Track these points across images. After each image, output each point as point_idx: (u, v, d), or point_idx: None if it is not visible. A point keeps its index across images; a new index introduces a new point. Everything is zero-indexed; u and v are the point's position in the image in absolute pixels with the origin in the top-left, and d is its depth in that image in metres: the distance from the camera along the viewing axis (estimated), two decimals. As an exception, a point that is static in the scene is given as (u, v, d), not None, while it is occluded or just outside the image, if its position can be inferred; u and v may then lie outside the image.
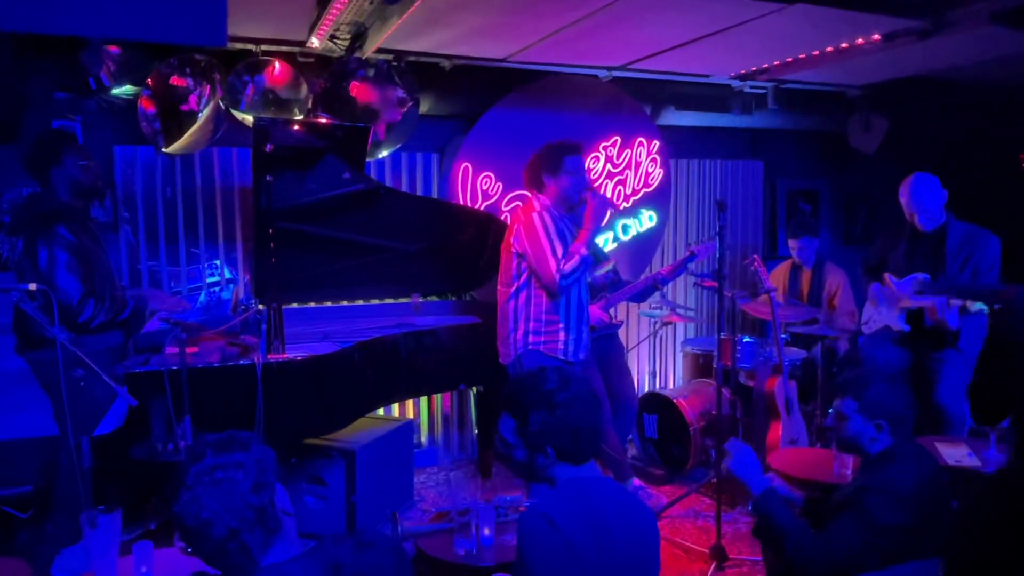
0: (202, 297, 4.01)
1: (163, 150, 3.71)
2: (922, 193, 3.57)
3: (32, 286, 2.24)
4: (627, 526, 1.71)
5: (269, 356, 2.94)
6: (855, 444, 2.19)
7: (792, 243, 4.66)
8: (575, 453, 1.76)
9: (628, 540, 1.70)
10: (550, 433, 1.72)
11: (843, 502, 2.12)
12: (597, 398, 1.82)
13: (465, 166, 4.39)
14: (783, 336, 4.08)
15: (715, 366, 3.75)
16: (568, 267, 3.18)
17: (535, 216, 3.24)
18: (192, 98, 3.67)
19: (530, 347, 3.28)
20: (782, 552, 2.08)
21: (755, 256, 3.98)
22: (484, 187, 4.46)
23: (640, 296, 4.19)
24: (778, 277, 4.78)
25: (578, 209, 3.34)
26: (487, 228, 4.01)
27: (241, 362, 2.86)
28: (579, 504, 1.69)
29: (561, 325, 3.28)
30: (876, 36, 3.61)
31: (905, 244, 3.73)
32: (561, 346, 3.29)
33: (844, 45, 3.81)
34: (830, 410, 4.25)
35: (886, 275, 3.74)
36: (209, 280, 4.08)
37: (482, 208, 4.41)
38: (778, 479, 2.28)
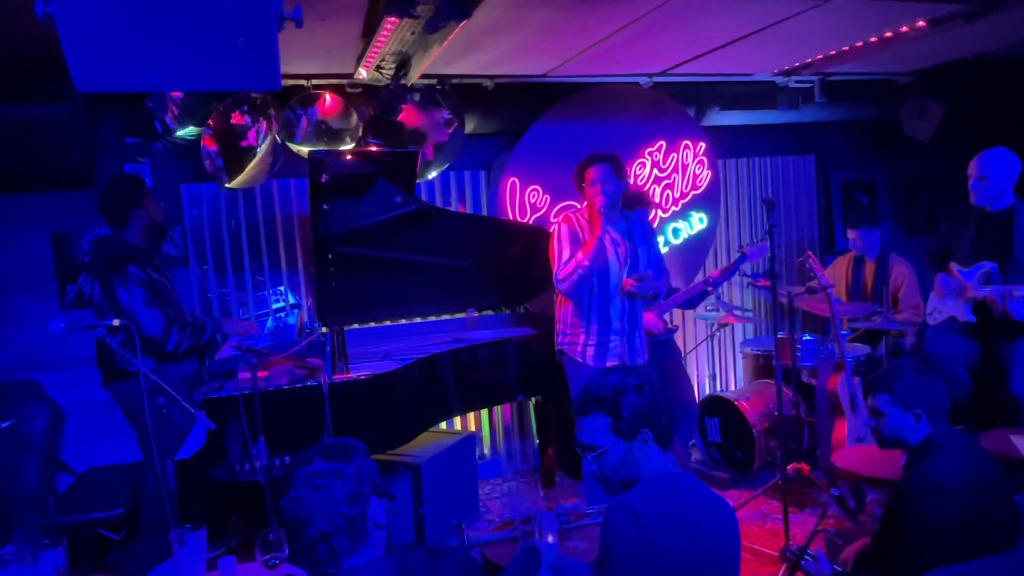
0: (269, 323, 4.19)
1: (226, 185, 3.91)
2: (990, 160, 3.45)
3: (116, 322, 2.40)
4: (711, 524, 1.75)
5: (334, 376, 3.05)
6: (897, 438, 2.18)
7: (851, 234, 4.57)
8: (668, 430, 1.84)
9: (712, 538, 1.74)
10: (646, 413, 1.81)
11: (890, 511, 2.10)
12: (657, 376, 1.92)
13: (512, 181, 4.47)
14: (844, 332, 4.01)
15: (775, 366, 3.71)
16: (562, 272, 3.31)
17: (555, 226, 3.47)
18: (251, 134, 3.86)
19: (559, 347, 3.46)
20: None
21: (809, 253, 3.93)
22: (532, 200, 4.53)
23: (691, 303, 4.18)
24: (839, 271, 4.69)
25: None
26: (536, 241, 4.07)
27: (308, 384, 2.98)
28: (665, 500, 1.74)
29: (581, 329, 3.38)
30: (921, 23, 3.54)
31: (971, 231, 3.62)
32: (580, 348, 3.38)
33: (888, 34, 3.73)
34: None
35: (952, 264, 3.63)
36: (275, 306, 4.26)
37: (531, 221, 4.48)
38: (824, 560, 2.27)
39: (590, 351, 3.37)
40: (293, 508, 1.48)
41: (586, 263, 3.27)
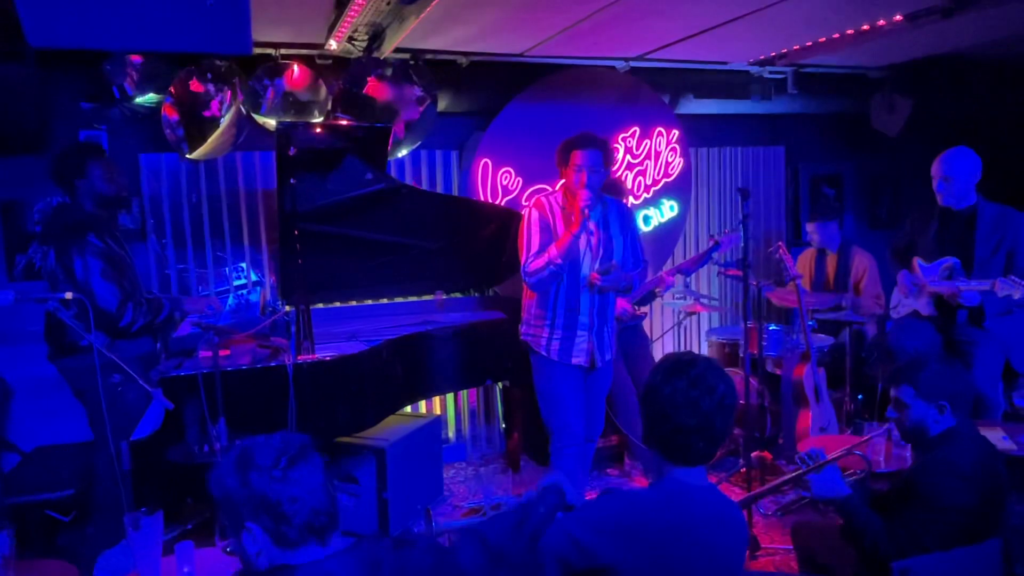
0: (231, 300, 4.07)
1: (187, 156, 3.76)
2: (953, 160, 3.49)
3: (68, 295, 2.28)
4: (714, 539, 1.65)
5: (299, 357, 2.97)
6: (919, 430, 2.19)
7: (809, 227, 4.65)
8: (672, 453, 1.69)
9: (709, 553, 1.64)
10: (649, 430, 1.70)
11: (903, 488, 2.13)
12: (719, 400, 1.64)
13: (485, 162, 4.40)
14: (809, 323, 4.05)
15: (742, 355, 3.73)
16: (532, 266, 3.09)
17: (526, 211, 3.25)
18: (214, 104, 3.71)
19: (522, 338, 3.30)
20: (862, 547, 2.13)
21: (780, 244, 3.95)
22: (504, 182, 4.47)
23: (642, 300, 4.04)
24: (804, 263, 4.74)
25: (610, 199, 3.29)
26: (508, 223, 4.01)
27: (272, 364, 2.89)
28: (663, 513, 1.64)
29: (545, 322, 3.19)
30: (898, 16, 3.56)
31: (935, 227, 3.67)
32: (543, 343, 3.20)
33: (865, 27, 3.75)
34: (859, 395, 4.24)
35: (915, 260, 3.69)
36: (236, 283, 4.13)
37: (503, 203, 4.42)
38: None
39: (555, 346, 3.19)
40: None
41: (559, 260, 3.05)
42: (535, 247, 3.12)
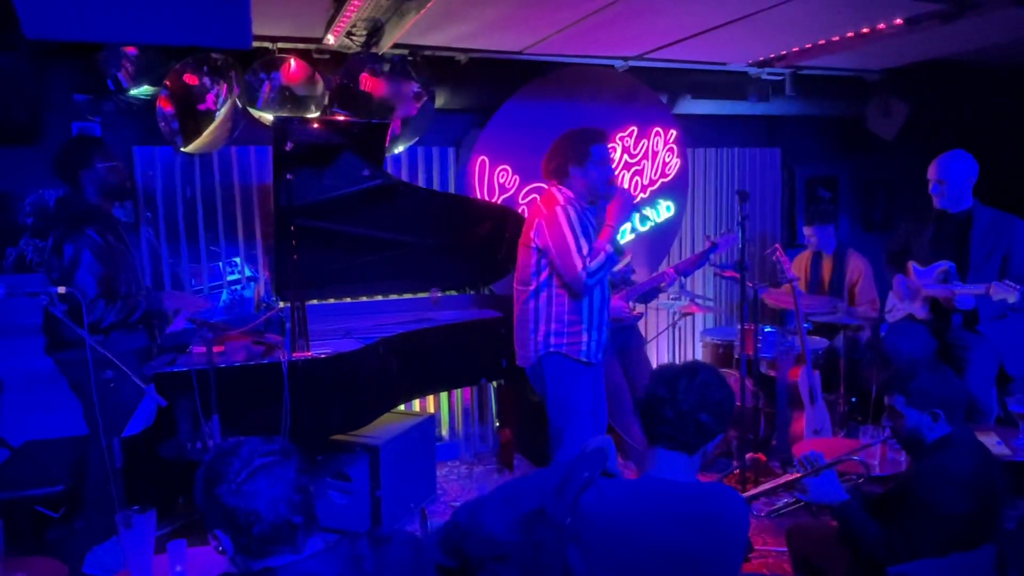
0: (224, 296, 4.04)
1: (182, 150, 3.73)
2: (948, 163, 3.51)
3: (61, 290, 2.26)
4: (669, 546, 1.64)
5: (294, 354, 2.95)
6: (915, 438, 2.19)
7: (807, 230, 4.66)
8: (645, 426, 1.77)
9: (658, 563, 1.64)
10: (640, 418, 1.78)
11: (900, 493, 2.13)
12: (698, 384, 1.71)
13: (482, 160, 4.38)
14: (805, 325, 4.06)
15: (738, 357, 3.73)
16: (594, 265, 2.94)
17: (559, 209, 2.98)
18: (209, 97, 3.68)
19: (552, 349, 3.06)
20: (860, 552, 2.13)
21: (776, 246, 3.95)
22: (501, 180, 4.45)
23: (645, 297, 4.07)
24: (800, 266, 4.75)
25: (600, 202, 3.13)
26: (505, 221, 4.00)
27: (267, 361, 2.87)
28: (628, 512, 1.66)
29: (583, 326, 3.06)
30: (898, 20, 3.56)
31: (931, 230, 3.68)
32: (584, 347, 3.07)
33: (865, 30, 3.75)
34: (852, 398, 4.24)
35: (910, 264, 3.70)
36: (229, 278, 4.10)
37: (499, 201, 4.40)
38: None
39: (593, 348, 3.09)
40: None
41: (615, 256, 3.06)
42: (584, 247, 2.97)
